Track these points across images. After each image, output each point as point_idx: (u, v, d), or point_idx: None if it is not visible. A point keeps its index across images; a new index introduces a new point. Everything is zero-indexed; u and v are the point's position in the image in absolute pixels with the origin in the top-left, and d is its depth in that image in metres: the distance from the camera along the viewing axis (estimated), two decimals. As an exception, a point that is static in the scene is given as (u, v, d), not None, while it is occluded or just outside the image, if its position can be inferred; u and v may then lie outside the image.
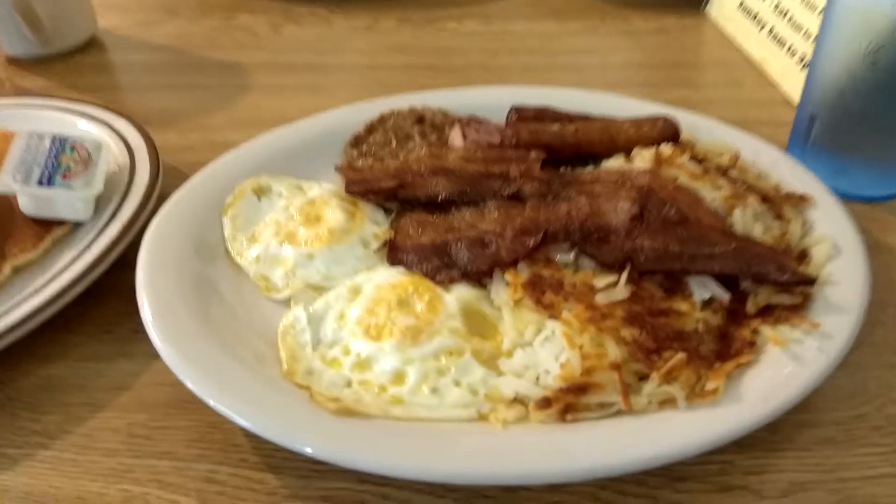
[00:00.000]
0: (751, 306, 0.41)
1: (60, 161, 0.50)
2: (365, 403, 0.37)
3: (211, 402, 0.36)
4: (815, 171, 0.53)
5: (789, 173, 0.52)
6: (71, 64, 0.75)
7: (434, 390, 0.38)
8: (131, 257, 0.45)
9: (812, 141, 0.57)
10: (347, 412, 0.36)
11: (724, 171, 0.50)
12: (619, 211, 0.44)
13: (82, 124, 0.58)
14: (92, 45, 0.78)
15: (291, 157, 0.55)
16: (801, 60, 0.67)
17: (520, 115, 0.55)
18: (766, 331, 0.40)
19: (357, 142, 0.57)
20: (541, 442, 0.35)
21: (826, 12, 0.53)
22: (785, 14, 0.71)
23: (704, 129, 0.57)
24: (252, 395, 0.37)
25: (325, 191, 0.51)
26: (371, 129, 0.57)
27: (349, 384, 0.38)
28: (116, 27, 0.82)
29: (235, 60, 0.76)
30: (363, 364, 0.39)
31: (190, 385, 0.37)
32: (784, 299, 0.42)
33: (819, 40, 0.55)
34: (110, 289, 0.47)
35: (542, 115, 0.56)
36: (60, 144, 0.51)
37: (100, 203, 0.51)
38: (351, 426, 0.36)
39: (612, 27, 0.83)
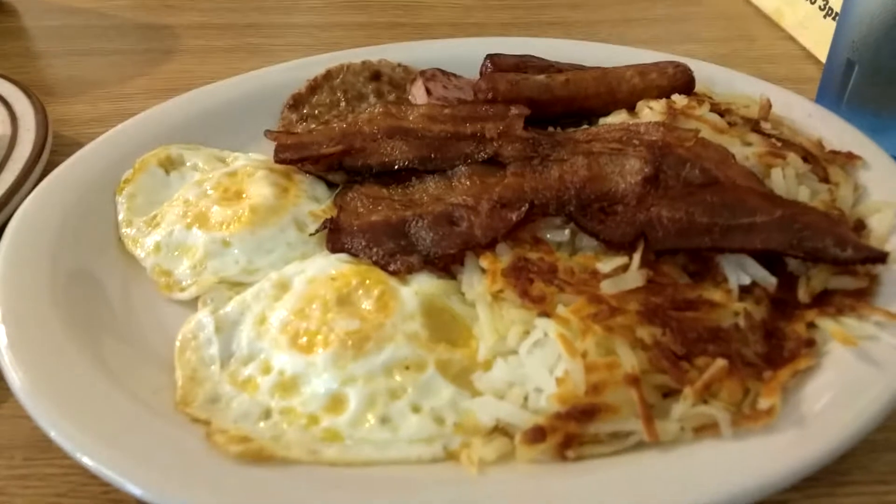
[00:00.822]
0: (803, 293, 0.32)
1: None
2: (285, 443, 0.26)
3: (79, 457, 0.26)
4: (854, 124, 0.44)
5: (828, 128, 0.42)
6: (-28, 30, 0.64)
7: (384, 420, 0.27)
8: None
9: (848, 95, 0.47)
10: (259, 457, 0.25)
11: (753, 124, 0.40)
12: (628, 173, 0.34)
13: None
14: (2, 10, 0.67)
15: (213, 123, 0.45)
16: (825, 7, 0.58)
17: (496, 64, 0.45)
18: (827, 324, 0.30)
19: (297, 103, 0.46)
20: (531, 492, 0.25)
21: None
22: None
23: (721, 80, 0.47)
24: (131, 443, 0.26)
25: (252, 162, 0.40)
26: (315, 87, 0.47)
27: (268, 414, 0.28)
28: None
29: (164, 22, 0.65)
30: (287, 385, 0.29)
31: (51, 432, 0.26)
32: (845, 283, 0.32)
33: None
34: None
35: (524, 65, 0.45)
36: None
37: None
38: (260, 479, 0.25)
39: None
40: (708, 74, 0.47)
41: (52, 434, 0.27)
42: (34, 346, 0.30)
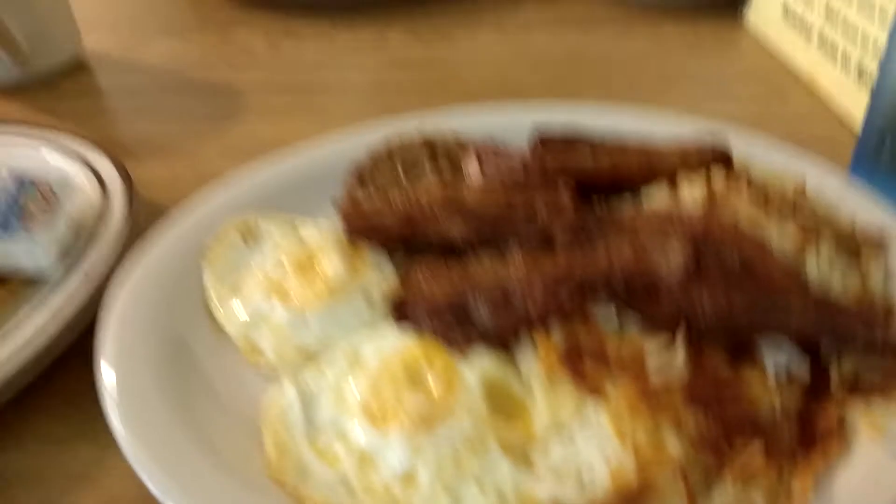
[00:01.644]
0: (834, 376, 0.34)
1: (21, 203, 0.44)
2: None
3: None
4: (888, 196, 0.46)
5: (861, 205, 0.45)
6: (51, 88, 0.69)
7: (452, 495, 0.31)
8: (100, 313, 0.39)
9: (883, 164, 0.49)
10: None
11: (789, 205, 0.42)
12: (671, 257, 0.37)
13: (50, 156, 0.52)
14: (76, 67, 0.72)
15: (285, 190, 0.49)
16: (859, 72, 0.60)
17: (544, 140, 0.48)
18: (857, 412, 0.33)
19: (360, 172, 0.50)
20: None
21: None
22: (837, 17, 0.64)
23: (756, 149, 0.49)
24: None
25: (322, 232, 0.44)
26: (376, 157, 0.50)
27: (350, 489, 0.31)
28: (104, 47, 0.76)
29: (230, 81, 0.70)
30: (366, 460, 0.32)
31: (155, 491, 0.30)
32: (874, 368, 0.34)
33: (891, 41, 0.48)
34: (74, 351, 0.41)
35: (570, 139, 0.49)
36: (21, 183, 0.44)
37: (67, 250, 0.44)
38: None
39: (641, 36, 0.76)
40: (742, 141, 0.49)
41: (158, 494, 0.31)
42: (141, 414, 0.34)
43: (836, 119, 0.61)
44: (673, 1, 0.80)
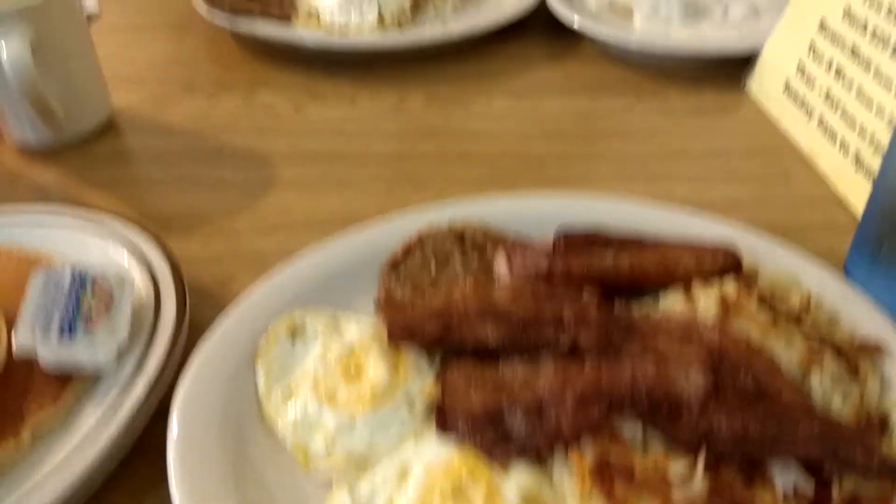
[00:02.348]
0: (836, 495, 0.38)
1: (81, 303, 0.47)
2: None
3: None
4: (884, 294, 0.50)
5: (859, 311, 0.49)
6: (85, 152, 0.72)
7: None
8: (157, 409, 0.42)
9: (880, 267, 0.53)
10: None
11: (795, 318, 0.46)
12: (691, 379, 0.41)
13: (102, 244, 0.54)
14: (106, 128, 0.75)
15: (325, 284, 0.52)
16: (857, 161, 0.64)
17: (568, 242, 0.52)
18: (857, 528, 0.37)
19: (394, 265, 0.53)
20: None
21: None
22: (836, 105, 0.68)
23: (763, 251, 0.53)
24: None
25: (364, 332, 0.47)
26: (408, 250, 0.54)
27: None
28: (131, 105, 0.79)
29: (257, 147, 0.73)
30: (419, 572, 0.36)
31: None
32: (871, 488, 0.38)
33: (891, 150, 0.51)
34: (135, 447, 0.44)
35: (592, 240, 0.52)
36: (81, 282, 0.47)
37: (124, 347, 0.47)
38: None
39: (648, 105, 0.79)
40: (750, 244, 0.53)
41: None
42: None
43: (835, 203, 0.65)
44: (676, 65, 0.84)
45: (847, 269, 0.55)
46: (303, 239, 0.56)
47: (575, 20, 0.86)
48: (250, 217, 0.64)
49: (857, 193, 0.64)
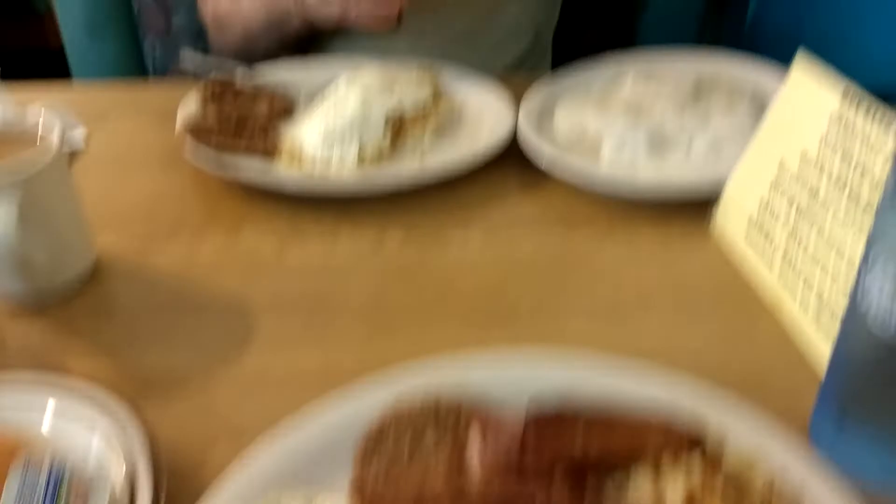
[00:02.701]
0: None
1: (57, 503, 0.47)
2: None
3: None
4: (850, 464, 0.51)
5: (822, 487, 0.50)
6: (67, 306, 0.73)
7: None
8: None
9: (844, 432, 0.55)
10: None
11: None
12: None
13: (84, 426, 0.55)
14: (90, 276, 0.77)
15: (302, 463, 0.53)
16: (816, 319, 0.66)
17: (538, 424, 0.53)
18: None
19: (368, 445, 0.54)
20: None
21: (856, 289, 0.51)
22: (792, 263, 0.70)
23: (730, 416, 0.55)
24: None
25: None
26: (382, 428, 0.55)
27: None
28: (116, 248, 0.81)
29: (239, 294, 0.75)
30: None
31: None
32: None
33: (845, 322, 0.54)
34: None
35: (562, 417, 0.54)
36: (57, 482, 0.48)
37: (98, 543, 0.48)
38: None
39: (619, 239, 0.82)
40: (718, 416, 0.55)
41: None
42: None
43: (799, 357, 0.67)
44: (644, 200, 0.87)
45: (812, 435, 0.57)
46: (282, 402, 0.57)
47: (543, 157, 0.90)
48: (229, 378, 0.65)
49: (816, 354, 0.65)
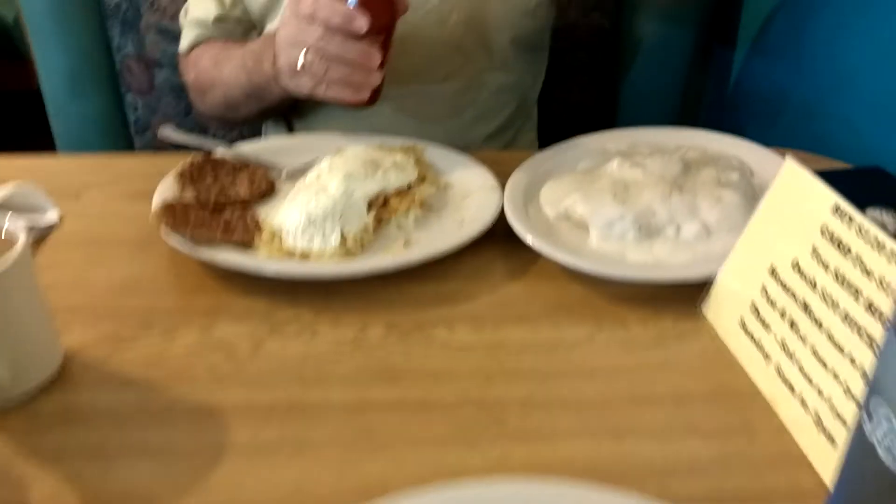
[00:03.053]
0: None
1: None
2: None
3: None
4: None
5: None
6: (31, 413, 0.69)
7: None
8: None
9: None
10: None
11: None
12: None
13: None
14: (56, 379, 0.73)
15: None
16: (818, 419, 0.64)
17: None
18: None
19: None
20: None
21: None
22: (793, 356, 0.68)
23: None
24: None
25: None
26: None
27: None
28: (84, 346, 0.77)
29: (210, 400, 0.71)
30: None
31: None
32: None
33: (852, 445, 0.51)
34: None
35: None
36: None
37: None
38: None
39: (609, 335, 0.80)
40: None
41: None
42: None
43: (800, 458, 0.64)
44: (633, 288, 0.85)
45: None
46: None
47: (529, 239, 0.88)
48: (198, 498, 0.61)
49: (819, 455, 0.63)
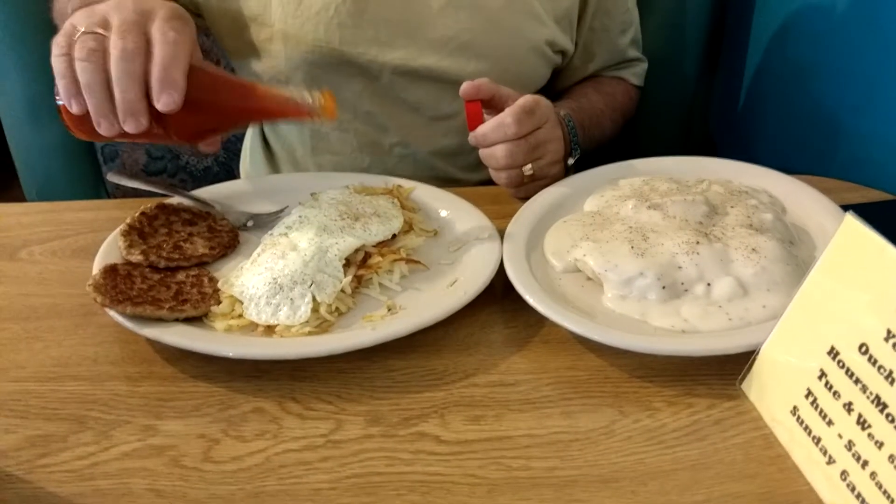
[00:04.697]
0: None
1: None
2: None
3: None
4: None
5: None
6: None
7: None
8: None
9: None
10: None
11: None
12: None
13: None
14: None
15: None
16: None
17: None
18: None
19: None
20: None
21: None
22: (862, 461, 0.55)
23: None
24: None
25: None
26: None
27: None
28: (5, 450, 0.64)
29: (150, 529, 0.58)
30: None
31: None
32: None
33: None
34: None
35: None
36: None
37: None
38: None
39: (633, 423, 0.66)
40: None
41: None
42: None
43: None
44: (658, 357, 0.72)
45: None
46: None
47: (534, 303, 0.74)
48: None
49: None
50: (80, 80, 0.71)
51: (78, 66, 0.71)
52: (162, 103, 0.71)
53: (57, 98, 0.76)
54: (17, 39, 1.44)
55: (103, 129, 0.74)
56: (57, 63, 0.73)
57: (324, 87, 0.80)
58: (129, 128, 0.73)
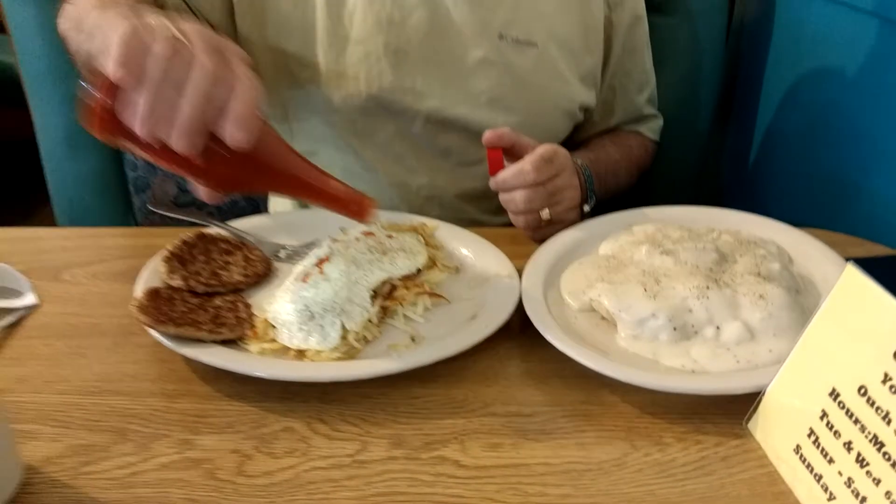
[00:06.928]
0: None
1: None
2: None
3: None
4: None
5: None
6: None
7: None
8: None
9: None
10: None
11: None
12: None
13: None
14: (12, 500, 0.63)
15: None
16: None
17: None
18: None
19: None
20: None
21: None
22: (862, 499, 0.58)
23: None
24: None
25: None
26: None
27: None
28: (48, 461, 0.68)
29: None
30: None
31: None
32: None
33: None
34: None
35: None
36: None
37: None
38: None
39: (643, 456, 0.70)
40: None
41: None
42: None
43: None
44: (668, 395, 0.76)
45: None
46: None
47: (551, 339, 0.79)
48: None
49: None
50: (147, 70, 0.61)
51: (152, 58, 0.62)
52: (235, 140, 0.65)
53: (87, 80, 0.66)
54: (60, 73, 1.52)
55: (144, 130, 0.63)
56: (126, 34, 0.62)
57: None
58: (179, 145, 0.63)
